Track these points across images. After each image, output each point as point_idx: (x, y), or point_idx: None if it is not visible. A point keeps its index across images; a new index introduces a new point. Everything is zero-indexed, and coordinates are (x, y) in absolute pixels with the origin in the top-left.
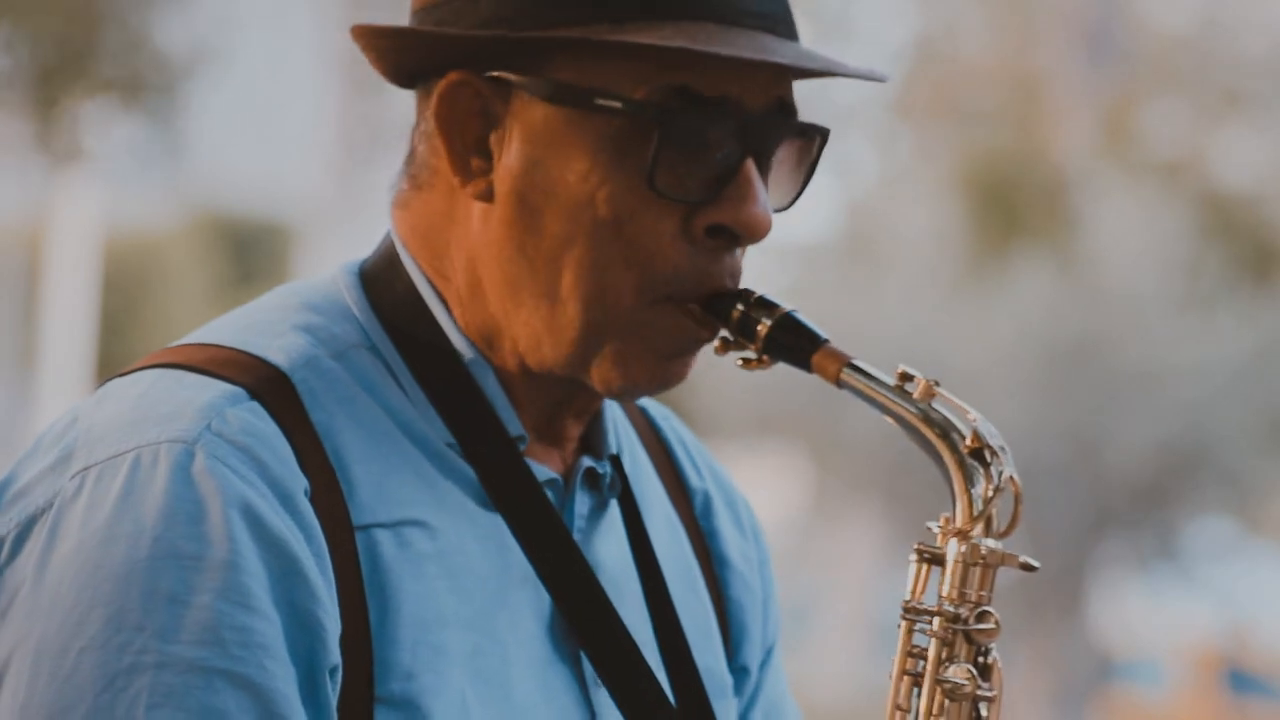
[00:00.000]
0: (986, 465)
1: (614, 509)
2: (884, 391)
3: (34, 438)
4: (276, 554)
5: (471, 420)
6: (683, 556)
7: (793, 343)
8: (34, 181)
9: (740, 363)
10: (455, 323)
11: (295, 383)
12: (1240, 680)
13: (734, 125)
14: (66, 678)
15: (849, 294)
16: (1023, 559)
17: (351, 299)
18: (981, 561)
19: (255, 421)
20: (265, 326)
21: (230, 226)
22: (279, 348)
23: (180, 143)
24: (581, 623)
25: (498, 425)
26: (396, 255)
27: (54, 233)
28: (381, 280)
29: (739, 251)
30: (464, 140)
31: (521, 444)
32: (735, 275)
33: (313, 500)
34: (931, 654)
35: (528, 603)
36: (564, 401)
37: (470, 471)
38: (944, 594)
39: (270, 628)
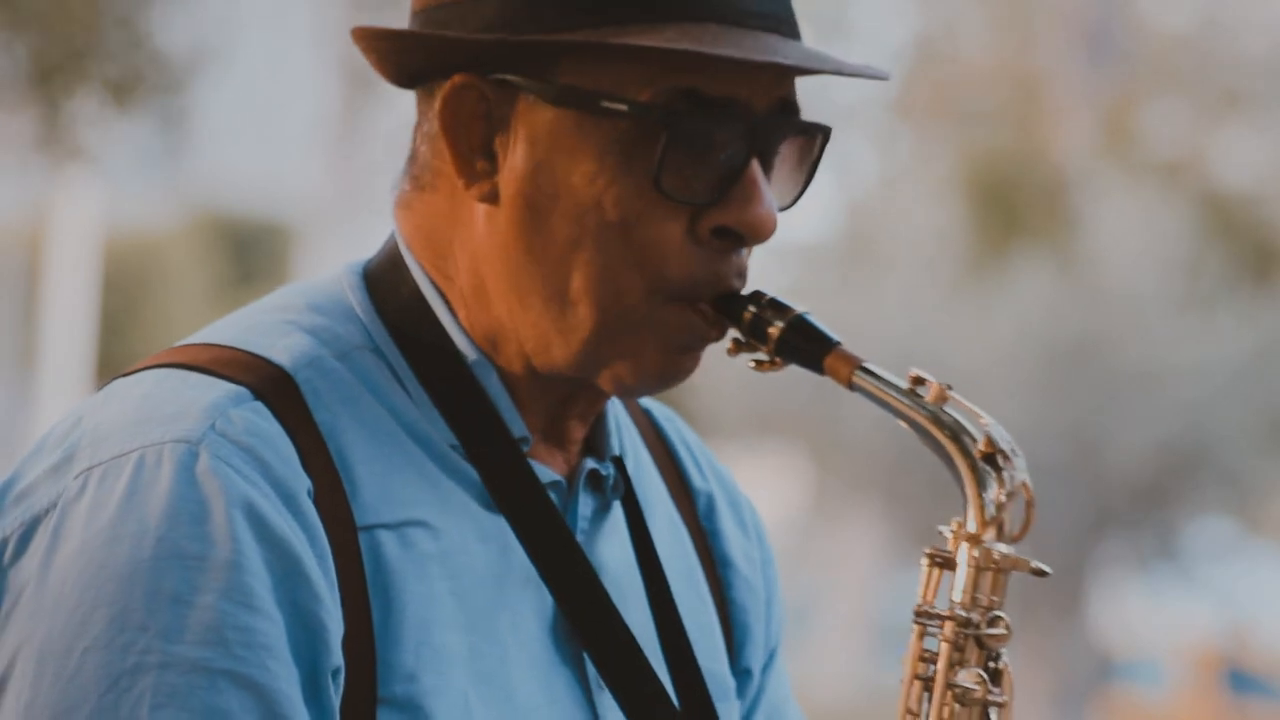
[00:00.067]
0: (999, 470)
1: (617, 511)
2: (896, 395)
3: (34, 437)
4: (279, 554)
5: (475, 422)
6: (685, 558)
7: (805, 345)
8: (34, 181)
9: (752, 364)
10: (459, 324)
11: (299, 383)
12: (1240, 680)
13: (740, 126)
14: (70, 678)
15: (849, 294)
16: (1034, 564)
17: (355, 300)
18: (994, 566)
19: (259, 422)
20: (269, 327)
21: (230, 226)
22: (283, 348)
23: (180, 143)
24: (584, 624)
25: (501, 427)
26: (400, 256)
27: (54, 233)
28: (385, 281)
29: (745, 251)
30: (469, 143)
31: (525, 445)
32: (743, 274)
33: (316, 501)
34: (942, 659)
35: (530, 604)
36: (568, 403)
37: (473, 473)
38: (956, 598)
39: (273, 628)
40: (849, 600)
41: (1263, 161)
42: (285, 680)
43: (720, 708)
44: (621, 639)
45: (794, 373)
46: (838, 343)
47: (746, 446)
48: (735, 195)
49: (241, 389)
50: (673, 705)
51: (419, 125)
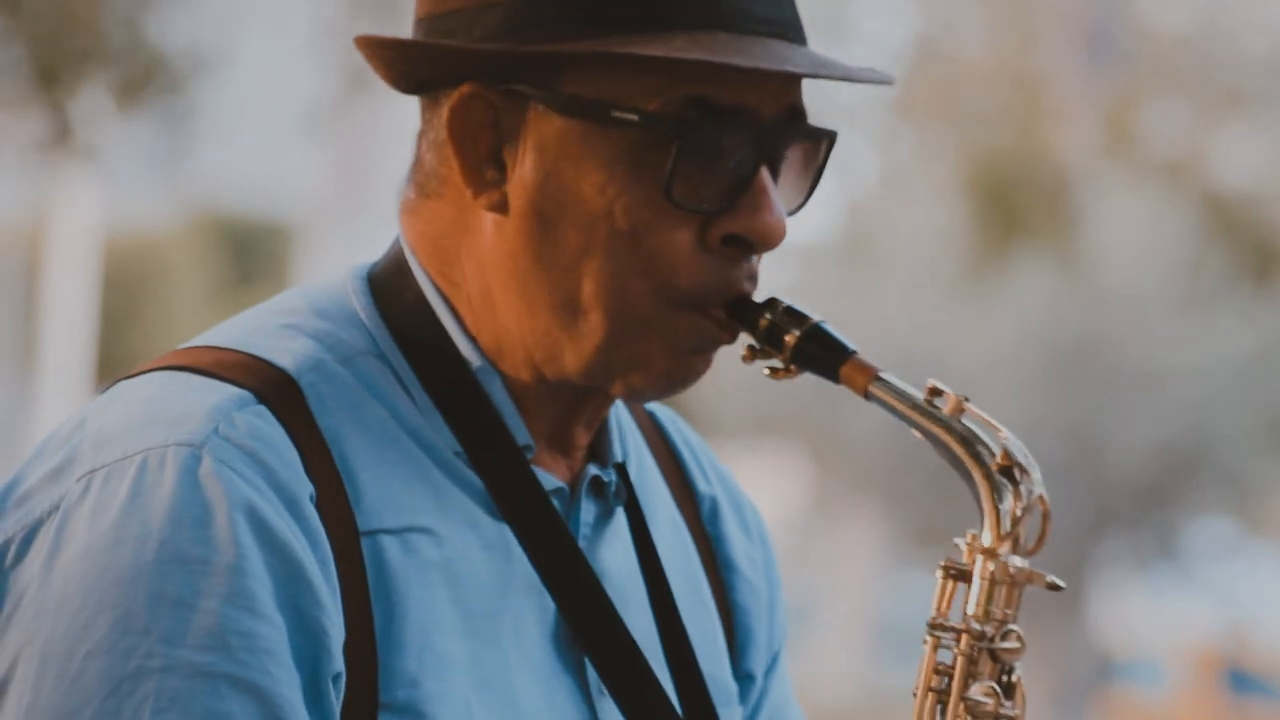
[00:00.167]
0: (1016, 484)
1: (619, 516)
2: (912, 406)
3: (34, 438)
4: (282, 559)
5: (479, 429)
6: (688, 562)
7: (821, 354)
8: (34, 181)
9: (767, 372)
10: (464, 331)
11: (303, 387)
12: (1240, 680)
13: (748, 134)
14: (72, 681)
15: (849, 294)
16: (1050, 579)
17: (359, 305)
18: (1009, 580)
19: (262, 425)
20: (273, 330)
21: (230, 226)
22: (286, 351)
23: (180, 143)
24: (586, 631)
25: (505, 434)
26: (405, 262)
27: (54, 233)
28: (390, 287)
29: (755, 257)
30: (477, 152)
31: (529, 453)
32: (754, 278)
33: (318, 505)
34: (957, 672)
35: (533, 611)
36: (575, 410)
37: (476, 480)
38: (969, 611)
39: (275, 633)
40: (849, 600)
41: (1263, 161)
42: (287, 685)
43: (722, 713)
44: (623, 645)
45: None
46: (854, 351)
47: (746, 446)
48: (745, 203)
49: (245, 392)
50: (675, 711)
51: (424, 132)
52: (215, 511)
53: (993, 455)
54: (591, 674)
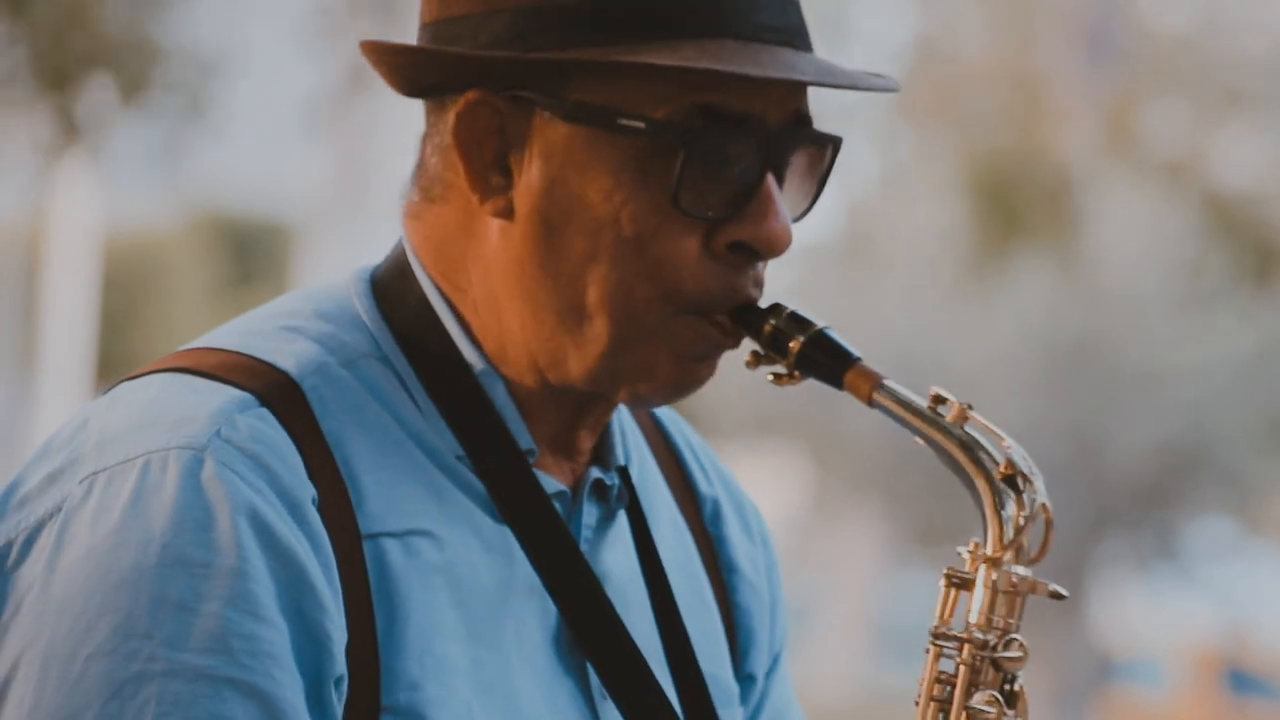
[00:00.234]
0: (1019, 492)
1: (621, 519)
2: (916, 413)
3: (34, 438)
4: (284, 562)
5: (481, 433)
6: (690, 564)
7: (825, 360)
8: (34, 181)
9: (770, 378)
10: (467, 335)
11: (305, 390)
12: (1240, 680)
13: (754, 141)
14: (74, 684)
15: (849, 294)
16: (1052, 587)
17: (362, 308)
18: (1012, 589)
19: (264, 428)
20: (275, 333)
21: (230, 226)
22: (289, 354)
23: (180, 143)
24: (588, 634)
25: (508, 438)
26: (408, 265)
27: (54, 233)
28: (393, 290)
29: (761, 263)
30: (483, 158)
31: (531, 458)
32: (759, 284)
33: (320, 509)
34: (959, 681)
35: (534, 615)
36: (579, 414)
37: (479, 484)
38: (972, 620)
39: (278, 636)
40: (849, 600)
41: (1263, 161)
42: (289, 688)
43: (724, 714)
44: (625, 649)
45: None
46: (858, 358)
47: (746, 446)
48: (751, 210)
49: (247, 395)
50: (676, 715)
51: (428, 135)
52: (217, 515)
53: (996, 463)
54: (593, 678)
